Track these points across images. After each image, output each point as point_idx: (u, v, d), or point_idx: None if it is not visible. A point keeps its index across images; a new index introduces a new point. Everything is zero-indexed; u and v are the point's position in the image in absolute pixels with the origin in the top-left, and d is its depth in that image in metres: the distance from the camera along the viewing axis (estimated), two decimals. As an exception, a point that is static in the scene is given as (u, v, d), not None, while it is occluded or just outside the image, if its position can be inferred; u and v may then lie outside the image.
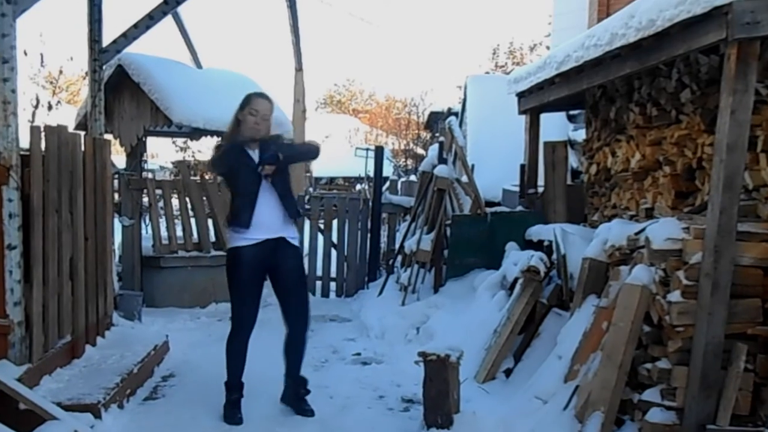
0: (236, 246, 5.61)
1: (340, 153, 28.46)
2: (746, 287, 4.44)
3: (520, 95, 9.07)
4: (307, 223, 11.28)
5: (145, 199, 10.70)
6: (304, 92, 13.69)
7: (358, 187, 24.51)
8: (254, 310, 5.72)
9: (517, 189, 9.89)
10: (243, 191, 5.61)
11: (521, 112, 9.33)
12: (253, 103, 5.67)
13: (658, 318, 4.59)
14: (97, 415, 5.22)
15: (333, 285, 11.36)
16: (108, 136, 8.51)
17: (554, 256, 6.68)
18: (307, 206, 11.30)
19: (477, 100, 14.68)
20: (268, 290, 5.84)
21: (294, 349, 5.84)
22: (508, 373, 6.32)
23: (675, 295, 4.44)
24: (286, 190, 5.70)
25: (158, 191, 10.57)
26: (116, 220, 9.05)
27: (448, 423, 5.08)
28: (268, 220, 5.59)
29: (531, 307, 6.49)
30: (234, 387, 5.73)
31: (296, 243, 5.83)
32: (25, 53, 9.62)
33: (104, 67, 7.74)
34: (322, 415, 5.66)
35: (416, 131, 29.17)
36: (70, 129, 6.45)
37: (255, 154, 5.61)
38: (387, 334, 8.29)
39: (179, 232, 10.37)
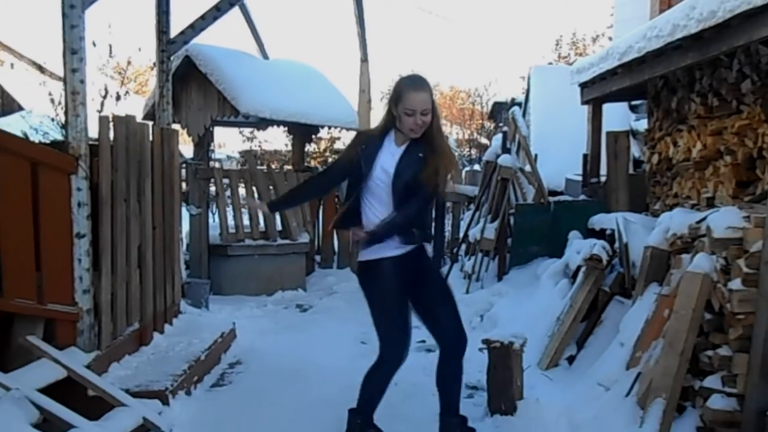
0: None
1: (403, 143, 28.50)
2: (808, 274, 4.39)
3: (583, 86, 9.15)
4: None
5: (213, 189, 10.91)
6: (370, 83, 13.76)
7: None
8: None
9: (579, 178, 9.98)
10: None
11: (584, 103, 9.43)
12: (407, 100, 4.36)
13: (719, 306, 4.57)
14: (165, 402, 5.30)
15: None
16: (176, 126, 8.54)
17: (616, 244, 6.68)
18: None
19: (540, 90, 14.75)
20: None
21: (453, 378, 4.81)
22: (570, 360, 6.39)
23: (736, 283, 4.40)
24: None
25: (225, 180, 10.74)
26: (184, 209, 9.18)
27: (511, 409, 5.20)
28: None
29: (593, 295, 6.51)
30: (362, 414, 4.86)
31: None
32: (94, 44, 9.67)
33: (172, 58, 7.73)
34: (388, 401, 5.70)
35: (480, 121, 29.17)
36: (139, 119, 6.60)
37: (395, 151, 4.52)
38: (451, 322, 8.24)
39: (246, 221, 10.53)
